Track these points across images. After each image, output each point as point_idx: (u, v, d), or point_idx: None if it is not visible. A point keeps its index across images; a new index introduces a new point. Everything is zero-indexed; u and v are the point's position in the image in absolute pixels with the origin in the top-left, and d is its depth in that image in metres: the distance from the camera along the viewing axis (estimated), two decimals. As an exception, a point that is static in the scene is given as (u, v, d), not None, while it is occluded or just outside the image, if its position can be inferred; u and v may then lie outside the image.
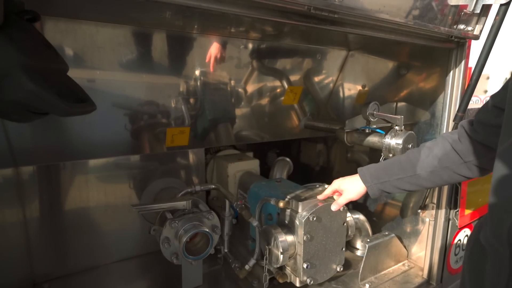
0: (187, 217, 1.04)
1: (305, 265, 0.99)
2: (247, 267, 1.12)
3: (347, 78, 1.60)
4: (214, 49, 1.23)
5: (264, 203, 1.15)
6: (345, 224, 1.07)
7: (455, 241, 1.19)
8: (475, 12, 0.92)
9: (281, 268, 1.09)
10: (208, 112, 1.33)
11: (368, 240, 1.17)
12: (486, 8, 0.93)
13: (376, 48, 1.43)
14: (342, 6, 0.66)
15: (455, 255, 1.22)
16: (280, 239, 0.98)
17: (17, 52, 0.46)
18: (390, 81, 1.40)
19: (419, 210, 1.21)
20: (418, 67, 1.24)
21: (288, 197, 1.05)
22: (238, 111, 1.44)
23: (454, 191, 1.13)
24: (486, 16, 0.97)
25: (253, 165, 1.54)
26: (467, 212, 1.15)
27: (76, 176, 1.21)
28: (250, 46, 1.31)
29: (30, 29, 0.52)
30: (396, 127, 1.02)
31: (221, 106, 1.37)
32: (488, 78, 4.34)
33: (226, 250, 1.24)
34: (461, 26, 0.95)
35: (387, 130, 1.06)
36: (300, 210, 1.00)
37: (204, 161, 1.50)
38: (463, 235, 1.22)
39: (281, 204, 1.02)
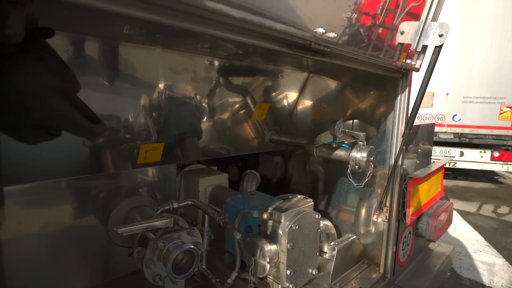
0: (171, 235, 1.01)
1: (288, 272, 1.05)
2: (229, 280, 1.13)
3: (308, 97, 1.75)
4: (179, 64, 1.23)
5: (244, 216, 1.19)
6: (319, 230, 1.18)
7: (403, 238, 1.41)
8: (417, 50, 1.15)
9: (263, 278, 1.13)
10: (175, 127, 1.31)
11: (336, 243, 1.30)
12: (425, 48, 1.16)
13: (334, 72, 1.61)
14: (335, 42, 0.77)
15: (402, 249, 1.43)
16: (266, 249, 1.03)
17: (46, 73, 0.43)
18: (346, 101, 1.59)
19: (376, 213, 1.39)
20: (371, 91, 1.45)
21: (270, 208, 1.11)
22: (206, 126, 1.45)
23: (402, 194, 1.34)
24: (424, 54, 1.21)
25: (222, 179, 1.56)
26: (412, 211, 1.38)
27: (23, 200, 1.06)
28: (216, 63, 1.35)
29: (48, 46, 0.48)
30: (360, 142, 1.18)
31: (188, 121, 1.36)
32: (433, 95, 5.17)
33: (204, 266, 1.22)
34: (407, 61, 1.17)
35: (350, 145, 1.22)
36: (283, 220, 1.07)
37: (175, 177, 1.46)
38: (408, 232, 1.45)
39: (265, 216, 1.08)
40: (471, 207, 4.30)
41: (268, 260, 1.02)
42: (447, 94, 5.07)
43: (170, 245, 0.98)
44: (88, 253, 1.20)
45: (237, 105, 1.53)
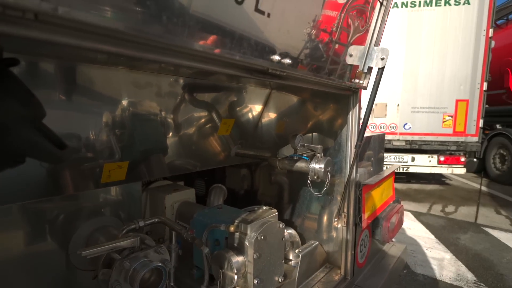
0: (137, 254, 1.01)
1: (255, 281, 1.10)
2: (198, 295, 1.15)
3: (271, 111, 1.85)
4: (143, 80, 1.25)
5: (211, 230, 1.22)
6: (283, 239, 1.25)
7: (360, 240, 1.53)
8: (364, 71, 1.29)
9: (231, 289, 1.16)
10: (140, 144, 1.32)
11: (300, 250, 1.38)
12: (370, 69, 1.31)
13: (294, 89, 1.73)
14: (290, 67, 0.86)
15: (361, 251, 1.55)
16: (233, 261, 1.07)
17: (12, 101, 0.45)
18: (306, 115, 1.71)
19: (335, 219, 1.50)
20: (327, 106, 1.57)
21: (236, 221, 1.15)
22: (172, 142, 1.47)
23: (357, 200, 1.47)
24: (370, 74, 1.36)
25: (189, 194, 1.57)
26: (367, 216, 1.51)
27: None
28: (181, 80, 1.39)
29: (12, 75, 0.50)
30: (318, 154, 1.28)
31: (153, 138, 1.38)
32: (386, 105, 5.55)
33: (172, 283, 1.22)
34: (356, 80, 1.31)
35: (309, 156, 1.31)
36: (249, 231, 1.11)
37: (140, 194, 1.45)
38: (365, 235, 1.58)
39: (231, 229, 1.12)
40: (423, 208, 4.69)
41: (235, 271, 1.06)
42: (398, 105, 5.54)
43: (137, 265, 0.97)
44: (47, 280, 1.14)
45: (202, 120, 1.57)
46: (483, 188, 5.81)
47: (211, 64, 0.71)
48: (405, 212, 4.40)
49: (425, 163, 5.67)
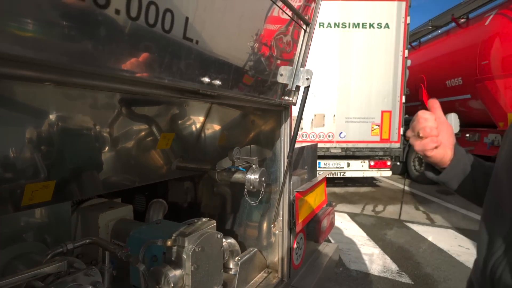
0: (64, 279, 0.96)
1: (194, 293, 1.12)
2: (135, 315, 1.12)
3: (212, 124, 1.90)
4: (75, 93, 1.20)
5: (148, 246, 1.21)
6: (222, 249, 1.30)
7: (295, 243, 1.65)
8: (292, 89, 1.43)
9: (170, 304, 1.16)
10: (70, 161, 1.25)
11: (239, 258, 1.44)
12: (298, 87, 1.45)
13: (233, 104, 1.81)
14: (221, 87, 0.93)
15: (296, 254, 1.67)
16: (170, 275, 1.08)
17: None
18: (244, 128, 1.80)
19: (272, 226, 1.60)
20: (263, 120, 1.69)
21: (174, 235, 1.17)
22: (107, 157, 1.42)
23: (292, 206, 1.59)
24: (298, 91, 1.50)
25: (126, 211, 1.53)
26: (300, 220, 1.64)
27: None
28: (117, 95, 1.37)
29: None
30: (253, 166, 1.37)
31: (86, 154, 1.32)
32: (324, 116, 6.04)
33: (106, 306, 1.17)
34: (286, 97, 1.44)
35: (246, 168, 1.40)
36: (186, 244, 1.14)
37: (70, 215, 1.36)
38: (300, 238, 1.71)
39: (168, 243, 1.13)
40: (357, 209, 5.16)
41: (172, 285, 1.07)
42: (334, 115, 6.05)
43: (63, 290, 0.93)
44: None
45: (141, 134, 1.55)
46: (406, 188, 6.64)
47: (140, 87, 0.75)
48: (342, 214, 4.81)
49: (358, 168, 6.26)
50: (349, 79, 5.99)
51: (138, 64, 0.67)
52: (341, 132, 6.08)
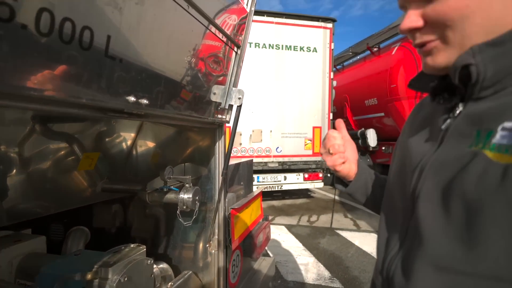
0: None
1: (119, 329, 1.02)
2: None
3: (144, 142, 1.81)
4: None
5: (64, 283, 1.07)
6: (152, 276, 1.22)
7: (232, 261, 1.64)
8: (225, 107, 1.46)
9: None
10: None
11: (172, 283, 1.37)
12: (231, 106, 1.50)
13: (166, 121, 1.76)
14: (149, 106, 0.90)
15: (233, 272, 1.66)
16: (91, 313, 0.97)
17: None
18: (179, 145, 1.76)
19: (207, 245, 1.57)
20: (198, 138, 1.68)
21: (95, 266, 1.06)
22: (14, 182, 1.24)
23: (227, 224, 1.59)
24: (231, 109, 1.55)
25: (37, 244, 1.33)
26: (236, 237, 1.65)
27: None
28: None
29: None
30: (187, 185, 1.34)
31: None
32: (261, 132, 6.17)
33: None
34: (219, 115, 1.47)
35: (180, 187, 1.36)
36: (110, 275, 1.04)
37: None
38: (236, 255, 1.71)
39: (88, 276, 1.02)
40: (294, 220, 5.39)
41: (94, 323, 0.96)
42: (271, 131, 6.32)
43: None
44: None
45: (60, 154, 1.39)
46: (336, 197, 7.22)
47: (54, 106, 0.68)
48: (280, 226, 4.97)
49: (294, 181, 6.60)
50: (284, 97, 6.37)
51: (49, 82, 0.62)
52: (278, 147, 6.37)
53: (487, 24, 0.43)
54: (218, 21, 1.25)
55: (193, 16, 1.03)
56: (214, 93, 1.43)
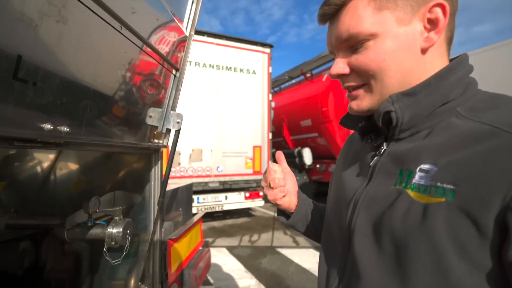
0: None
1: None
2: None
3: (64, 167, 1.59)
4: None
5: None
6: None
7: (169, 297, 1.51)
8: (162, 131, 1.39)
9: None
10: None
11: (97, 333, 1.19)
12: (169, 130, 1.43)
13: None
14: (70, 134, 0.80)
15: (170, 309, 1.53)
16: None
17: None
18: (108, 172, 1.59)
19: (140, 283, 1.42)
20: (131, 163, 1.54)
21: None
22: None
23: (163, 256, 1.47)
24: (169, 133, 1.47)
25: None
26: (173, 270, 1.53)
27: None
28: None
29: None
30: (116, 218, 1.21)
31: None
32: (202, 151, 6.06)
33: None
34: (156, 140, 1.38)
35: (108, 220, 1.22)
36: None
37: None
38: (173, 290, 1.58)
39: None
40: (235, 241, 5.31)
41: None
42: (212, 150, 6.24)
43: None
44: None
45: None
46: (276, 215, 7.36)
47: None
48: (221, 249, 4.83)
49: (235, 200, 6.56)
50: (225, 116, 6.40)
51: None
52: (219, 166, 6.30)
53: (400, 77, 0.50)
54: (156, 43, 1.20)
55: (127, 38, 0.97)
56: (150, 116, 1.35)
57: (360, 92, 0.54)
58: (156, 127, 1.37)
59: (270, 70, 6.88)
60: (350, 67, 0.53)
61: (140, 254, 1.48)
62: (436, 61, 0.50)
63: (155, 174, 1.48)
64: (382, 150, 0.55)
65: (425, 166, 0.45)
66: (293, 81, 8.95)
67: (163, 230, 1.49)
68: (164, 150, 1.62)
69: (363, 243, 0.51)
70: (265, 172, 0.76)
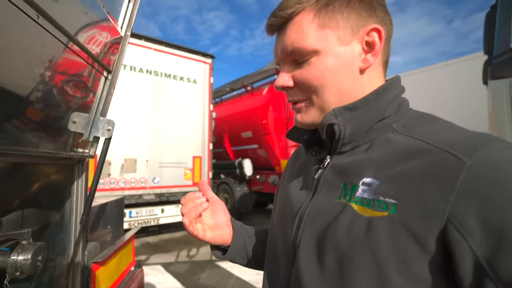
0: None
1: None
2: None
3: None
4: None
5: None
6: None
7: (91, 330, 1.31)
8: (89, 140, 1.23)
9: None
10: None
11: None
12: (97, 138, 1.27)
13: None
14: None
15: None
16: None
17: None
18: (15, 184, 1.33)
19: (55, 317, 1.20)
20: (47, 175, 1.32)
21: None
22: None
23: (86, 283, 1.28)
24: (98, 142, 1.32)
25: None
26: (98, 298, 1.34)
27: None
28: None
29: None
30: (24, 242, 1.00)
31: None
32: (136, 161, 5.61)
33: None
34: (80, 149, 1.21)
35: (12, 246, 1.00)
36: None
37: None
38: (97, 321, 1.38)
39: None
40: (171, 257, 4.99)
41: None
42: (147, 160, 5.84)
43: None
44: None
45: None
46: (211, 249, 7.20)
47: None
48: (156, 266, 4.48)
49: (173, 213, 6.21)
50: (163, 125, 6.08)
51: None
52: (155, 178, 5.92)
53: (340, 94, 0.52)
54: (85, 42, 1.07)
55: (45, 29, 0.84)
56: (74, 122, 1.19)
57: (302, 105, 0.55)
58: (81, 134, 1.21)
59: (212, 81, 6.84)
60: (294, 80, 0.54)
61: (57, 282, 1.26)
62: (373, 81, 0.54)
63: (79, 187, 1.29)
64: (326, 163, 0.56)
65: (367, 180, 0.47)
66: (234, 93, 9.04)
67: (86, 252, 1.30)
68: (91, 161, 1.44)
69: (308, 258, 0.50)
70: (184, 205, 0.64)
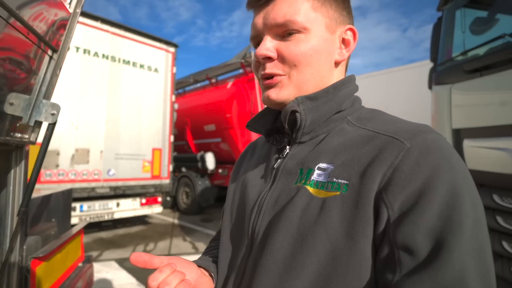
0: None
1: None
2: None
3: None
4: None
5: None
6: None
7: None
8: (30, 124, 1.12)
9: None
10: None
11: None
12: (39, 123, 1.17)
13: None
14: None
15: None
16: None
17: None
18: None
19: (-15, 319, 1.09)
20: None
21: None
22: None
23: (24, 281, 1.18)
24: (40, 127, 1.21)
25: None
26: (39, 296, 1.24)
27: None
28: None
29: None
30: None
31: None
32: (88, 152, 5.27)
33: None
34: (19, 134, 1.10)
35: None
36: None
37: None
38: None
39: None
40: (127, 253, 4.79)
41: None
42: (101, 151, 5.49)
43: None
44: None
45: None
46: (176, 221, 7.06)
47: None
48: (109, 262, 4.27)
49: (129, 207, 5.95)
50: (119, 114, 5.75)
51: None
52: (110, 170, 5.60)
53: (317, 76, 0.54)
54: (29, 17, 0.96)
55: (-24, -3, 0.74)
56: (11, 104, 1.07)
57: (282, 79, 0.54)
58: (20, 118, 1.10)
59: (174, 71, 6.62)
60: (278, 53, 0.53)
61: (-12, 281, 1.14)
62: (340, 76, 0.58)
63: (16, 177, 1.18)
64: (285, 153, 0.58)
65: (322, 165, 0.50)
66: (198, 84, 8.83)
67: (25, 247, 1.19)
68: (34, 149, 1.32)
69: (265, 243, 0.51)
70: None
